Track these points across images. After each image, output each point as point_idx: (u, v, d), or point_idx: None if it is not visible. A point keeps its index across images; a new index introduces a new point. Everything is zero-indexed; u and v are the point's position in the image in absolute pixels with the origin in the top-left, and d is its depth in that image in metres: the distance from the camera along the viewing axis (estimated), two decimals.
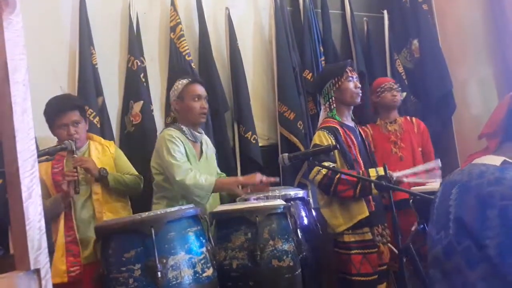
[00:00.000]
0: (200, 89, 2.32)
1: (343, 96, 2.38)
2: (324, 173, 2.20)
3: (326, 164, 2.14)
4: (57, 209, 2.10)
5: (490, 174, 1.05)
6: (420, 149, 2.89)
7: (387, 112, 2.94)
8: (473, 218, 1.04)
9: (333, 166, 2.21)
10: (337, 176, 2.17)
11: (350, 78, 2.38)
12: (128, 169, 2.35)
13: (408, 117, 3.01)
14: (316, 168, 2.21)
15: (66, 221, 2.11)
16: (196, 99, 2.29)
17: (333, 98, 2.39)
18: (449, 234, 1.09)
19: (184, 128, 2.29)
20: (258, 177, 2.19)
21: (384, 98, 2.90)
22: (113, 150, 2.34)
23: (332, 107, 2.39)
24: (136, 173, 2.37)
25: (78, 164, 2.10)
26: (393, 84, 2.95)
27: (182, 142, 2.23)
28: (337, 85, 2.37)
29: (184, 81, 2.33)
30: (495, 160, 1.11)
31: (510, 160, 1.10)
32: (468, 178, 1.10)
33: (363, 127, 2.85)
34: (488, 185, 1.03)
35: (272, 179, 2.23)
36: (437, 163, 2.42)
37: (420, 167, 2.39)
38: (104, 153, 2.30)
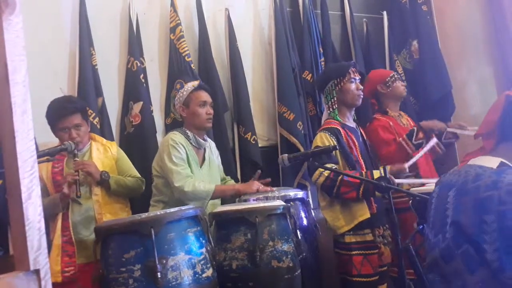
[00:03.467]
0: (205, 96, 2.35)
1: (344, 97, 2.36)
2: (326, 175, 2.18)
3: (328, 165, 2.13)
4: (55, 209, 2.09)
5: (487, 177, 1.04)
6: None
7: (395, 104, 2.81)
8: (470, 222, 1.02)
9: (335, 168, 2.20)
10: (339, 178, 2.16)
11: (353, 80, 2.36)
12: (130, 170, 2.34)
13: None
14: (319, 171, 2.19)
15: (63, 221, 2.10)
16: (202, 105, 2.31)
17: (335, 99, 2.38)
18: (447, 238, 1.08)
19: (189, 133, 2.31)
20: (255, 186, 2.22)
21: (396, 88, 2.75)
22: (115, 151, 2.33)
23: (334, 107, 2.38)
24: (138, 175, 2.36)
25: (80, 168, 2.08)
26: (397, 74, 2.87)
27: (185, 148, 2.24)
28: (339, 85, 2.35)
29: (190, 87, 2.34)
30: (492, 161, 1.10)
31: (506, 162, 1.09)
32: (464, 181, 1.09)
33: (381, 117, 2.73)
34: (485, 189, 1.02)
35: (268, 188, 2.23)
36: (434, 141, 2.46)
37: (424, 150, 2.40)
38: (105, 154, 2.29)
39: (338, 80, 2.36)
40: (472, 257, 1.02)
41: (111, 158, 2.29)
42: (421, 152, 2.41)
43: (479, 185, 1.04)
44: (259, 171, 2.45)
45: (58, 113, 2.15)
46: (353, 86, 2.36)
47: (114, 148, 2.35)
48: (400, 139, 2.57)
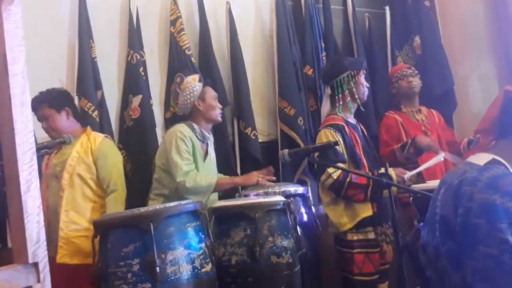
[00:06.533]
0: (214, 92, 2.43)
1: (357, 90, 2.33)
2: (335, 177, 2.16)
3: (340, 165, 2.11)
4: None
5: (469, 173, 1.06)
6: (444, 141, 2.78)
7: (409, 100, 2.81)
8: (451, 216, 1.05)
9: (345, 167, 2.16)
10: (347, 181, 2.15)
11: (364, 74, 2.38)
12: (109, 177, 2.19)
13: (427, 108, 2.91)
14: (327, 172, 2.18)
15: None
16: (215, 98, 2.39)
17: (347, 92, 2.33)
18: (436, 235, 1.09)
19: (195, 126, 2.31)
20: (255, 178, 2.21)
21: (400, 87, 2.79)
22: (95, 147, 2.20)
23: (347, 100, 2.33)
24: (118, 181, 2.22)
25: None
26: (406, 70, 2.82)
27: (192, 141, 2.24)
28: (356, 77, 2.33)
29: (197, 82, 2.37)
30: (482, 158, 1.11)
31: (498, 158, 1.09)
32: (453, 178, 1.10)
33: (391, 114, 2.78)
34: (464, 184, 1.05)
35: (267, 180, 2.22)
36: (441, 156, 2.38)
37: (429, 163, 2.32)
38: (85, 148, 2.21)
39: (355, 72, 2.33)
40: (454, 255, 1.03)
41: (88, 152, 2.19)
42: (425, 165, 2.29)
43: (461, 180, 1.06)
44: (271, 168, 2.40)
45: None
46: (364, 80, 2.37)
47: (95, 143, 2.22)
48: (395, 147, 2.56)
